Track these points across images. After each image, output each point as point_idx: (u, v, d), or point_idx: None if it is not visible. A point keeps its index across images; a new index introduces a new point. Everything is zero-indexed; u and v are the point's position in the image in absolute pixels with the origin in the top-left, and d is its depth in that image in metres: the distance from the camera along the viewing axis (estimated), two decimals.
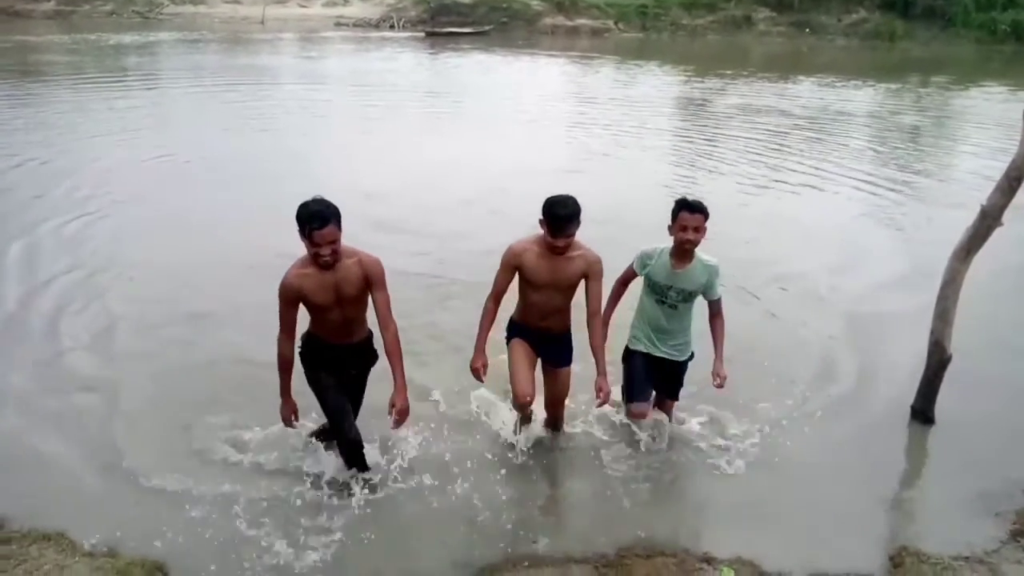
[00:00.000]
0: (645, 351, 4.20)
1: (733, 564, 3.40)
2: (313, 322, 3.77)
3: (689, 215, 3.86)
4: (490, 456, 4.30)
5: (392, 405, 3.65)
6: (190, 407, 4.57)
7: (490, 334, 3.98)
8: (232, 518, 3.68)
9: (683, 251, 3.95)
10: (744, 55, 31.41)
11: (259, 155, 10.63)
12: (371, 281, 3.63)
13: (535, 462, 4.25)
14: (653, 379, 4.26)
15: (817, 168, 11.17)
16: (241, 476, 4.01)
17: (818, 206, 9.36)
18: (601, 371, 3.91)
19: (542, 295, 3.92)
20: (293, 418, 3.84)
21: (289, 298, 3.57)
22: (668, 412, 4.46)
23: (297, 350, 3.80)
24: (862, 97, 19.22)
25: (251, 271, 6.23)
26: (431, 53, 28.61)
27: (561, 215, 3.68)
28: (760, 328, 5.80)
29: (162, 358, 5.19)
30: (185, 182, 9.51)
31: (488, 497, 3.92)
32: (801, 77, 22.54)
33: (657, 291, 4.08)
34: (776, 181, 10.46)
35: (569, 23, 39.48)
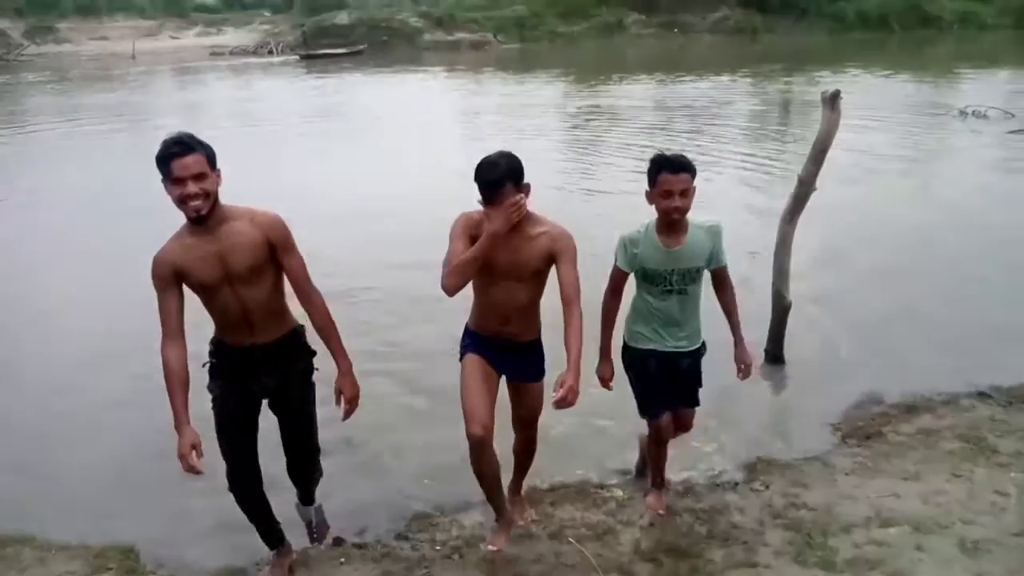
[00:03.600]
0: (654, 348, 3.31)
1: (622, 486, 3.77)
2: (216, 322, 2.93)
3: (672, 176, 3.01)
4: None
5: (338, 392, 2.95)
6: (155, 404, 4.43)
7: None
8: (198, 499, 3.66)
9: (672, 222, 3.11)
10: (621, 58, 32.71)
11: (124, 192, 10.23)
12: (274, 244, 2.80)
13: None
14: (665, 379, 3.36)
15: (700, 153, 11.89)
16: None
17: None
18: (572, 366, 2.82)
19: (501, 289, 3.00)
20: (195, 455, 2.68)
21: (164, 277, 2.73)
22: (686, 426, 3.52)
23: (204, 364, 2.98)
24: (733, 88, 20.44)
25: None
26: (316, 76, 28.49)
27: (491, 179, 2.82)
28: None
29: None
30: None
31: None
32: (675, 75, 23.68)
33: (656, 280, 3.20)
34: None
35: (449, 37, 40.06)
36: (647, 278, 3.23)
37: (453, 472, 3.74)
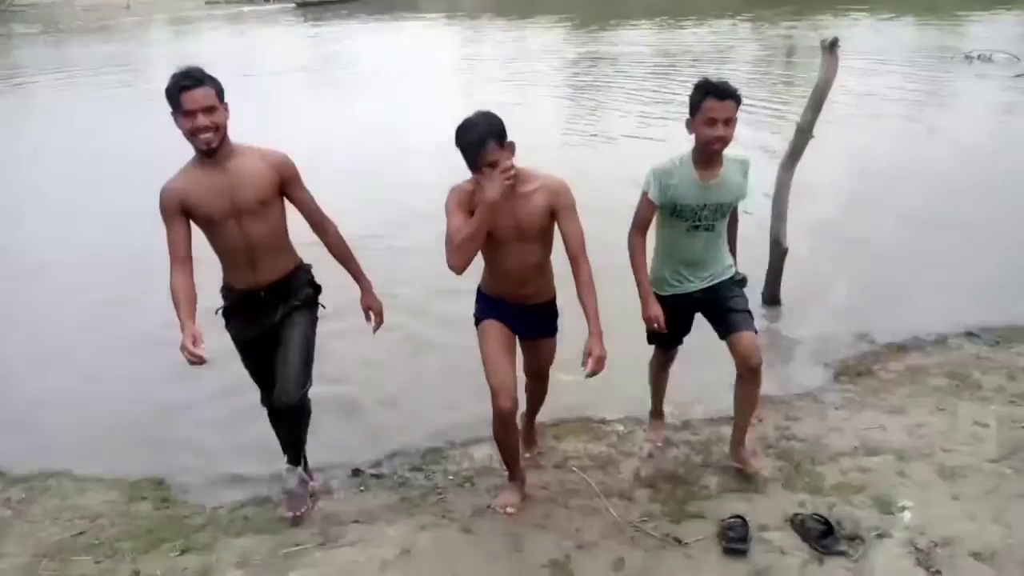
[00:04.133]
0: (670, 293, 3.21)
1: (622, 421, 3.95)
2: (220, 260, 2.99)
3: (718, 102, 2.85)
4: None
5: (367, 309, 3.15)
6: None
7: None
8: (216, 435, 3.91)
9: (712, 153, 2.96)
10: (625, 3, 32.14)
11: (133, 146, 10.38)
12: (284, 178, 2.89)
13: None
14: (683, 322, 3.32)
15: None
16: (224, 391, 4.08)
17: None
18: (594, 331, 2.86)
19: (511, 253, 2.93)
20: (192, 342, 2.65)
21: (171, 207, 2.79)
22: (753, 358, 3.06)
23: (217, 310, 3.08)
24: (737, 33, 20.18)
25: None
26: (311, 25, 28.13)
27: (472, 139, 2.70)
28: None
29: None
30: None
31: None
32: (679, 19, 23.35)
33: (686, 215, 3.05)
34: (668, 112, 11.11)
35: None
36: (676, 213, 3.07)
37: (464, 410, 3.99)
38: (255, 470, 3.59)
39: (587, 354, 2.86)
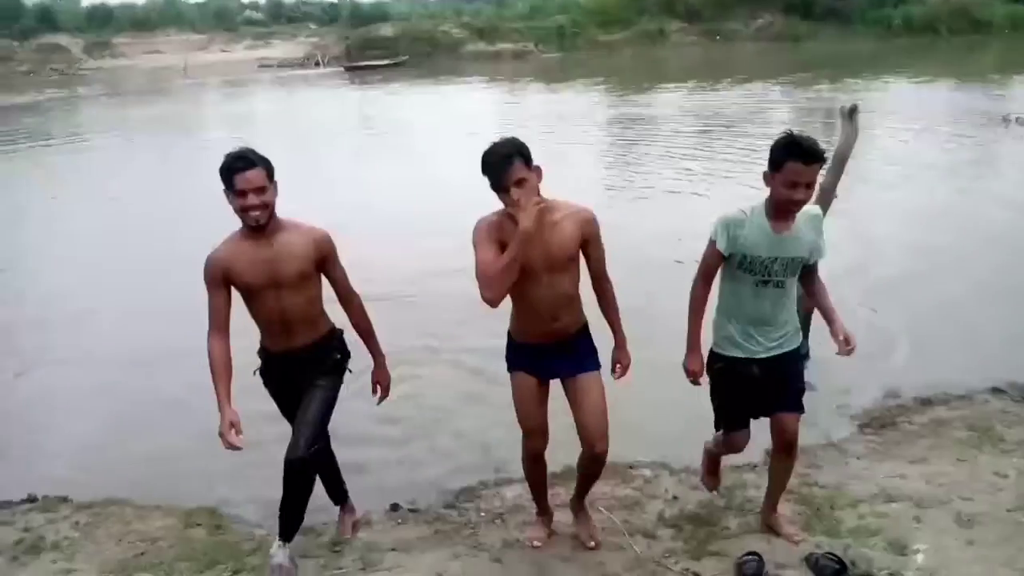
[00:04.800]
0: (743, 356, 3.06)
1: (649, 466, 4.09)
2: (257, 324, 3.16)
3: (803, 167, 2.74)
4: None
5: (375, 383, 3.34)
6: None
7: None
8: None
9: (787, 212, 2.89)
10: (661, 66, 32.91)
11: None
12: (323, 256, 3.09)
13: None
14: (752, 394, 3.12)
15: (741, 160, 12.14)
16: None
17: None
18: (618, 342, 3.11)
19: (542, 286, 2.91)
20: (234, 433, 2.91)
21: (215, 277, 2.98)
22: (789, 437, 3.11)
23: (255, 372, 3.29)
24: (785, 97, 20.55)
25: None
26: (356, 88, 29.27)
27: (498, 158, 2.75)
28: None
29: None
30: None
31: None
32: (715, 83, 23.85)
33: (756, 269, 2.94)
34: (707, 174, 11.40)
35: (491, 48, 40.68)
36: (743, 266, 2.96)
37: (496, 452, 4.21)
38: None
39: (616, 361, 3.14)
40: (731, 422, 3.21)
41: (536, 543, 3.33)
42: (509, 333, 3.16)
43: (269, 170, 2.97)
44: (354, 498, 3.77)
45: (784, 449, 3.15)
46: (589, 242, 2.97)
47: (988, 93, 19.08)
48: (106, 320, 6.80)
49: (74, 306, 7.15)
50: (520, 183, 2.74)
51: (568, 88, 25.29)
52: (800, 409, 3.13)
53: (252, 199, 2.90)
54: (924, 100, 18.65)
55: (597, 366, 3.10)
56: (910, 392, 4.96)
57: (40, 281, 8.06)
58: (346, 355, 3.34)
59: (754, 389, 3.09)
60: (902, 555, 3.11)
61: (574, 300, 3.05)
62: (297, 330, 3.12)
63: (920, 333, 5.79)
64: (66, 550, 3.46)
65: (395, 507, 3.83)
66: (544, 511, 3.43)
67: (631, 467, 4.16)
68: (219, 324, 3.03)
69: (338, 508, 3.65)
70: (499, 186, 2.78)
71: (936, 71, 24.29)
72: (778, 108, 18.80)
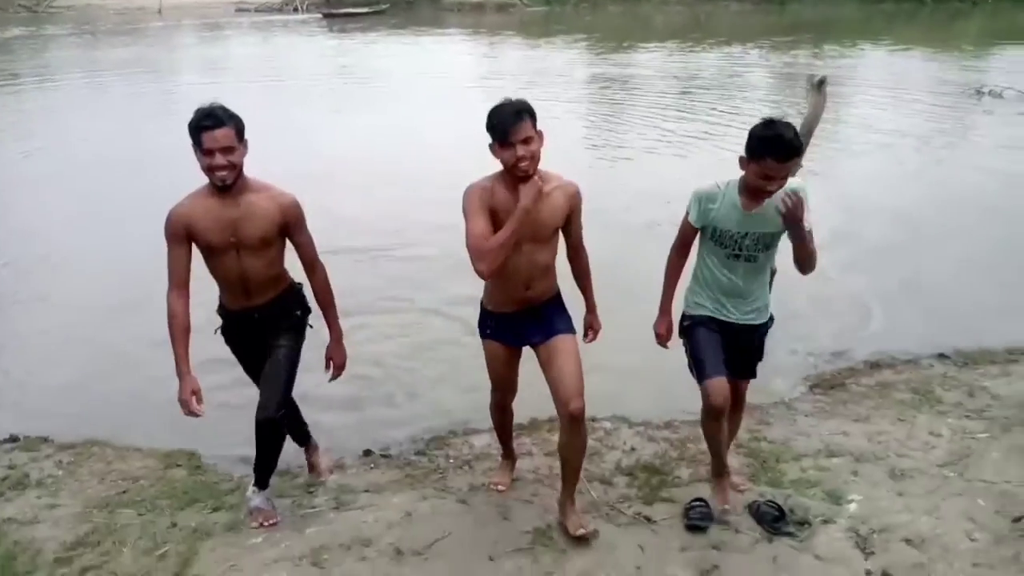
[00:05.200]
0: (713, 315, 3.14)
1: (610, 419, 4.30)
2: (217, 282, 3.15)
3: (777, 164, 2.77)
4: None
5: (328, 358, 3.27)
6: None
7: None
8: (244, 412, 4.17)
9: (759, 197, 2.92)
10: (645, 24, 32.68)
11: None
12: (289, 223, 3.04)
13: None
14: (723, 345, 3.15)
15: (721, 123, 12.27)
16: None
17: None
18: (590, 307, 3.25)
19: (522, 255, 2.91)
20: (195, 400, 2.98)
21: (175, 232, 2.93)
22: (739, 399, 3.34)
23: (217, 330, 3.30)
24: (762, 61, 20.58)
25: None
26: (334, 36, 28.75)
27: (509, 113, 2.75)
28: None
29: None
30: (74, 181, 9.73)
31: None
32: (698, 44, 23.80)
33: (726, 243, 3.01)
34: (686, 136, 11.51)
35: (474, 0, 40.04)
36: (715, 238, 3.03)
37: (466, 403, 4.40)
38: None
39: (588, 326, 3.31)
40: (706, 364, 3.09)
41: (500, 487, 3.53)
42: (482, 303, 3.18)
43: (239, 129, 2.90)
44: (327, 444, 3.97)
45: (734, 406, 3.29)
46: (572, 214, 3.03)
47: (965, 64, 19.26)
48: (73, 265, 6.85)
49: (42, 249, 7.17)
50: (527, 141, 2.76)
51: (549, 44, 25.07)
52: (753, 375, 3.38)
53: (219, 159, 2.84)
54: (902, 69, 18.80)
55: (571, 329, 3.11)
56: (859, 356, 5.22)
57: (6, 223, 8.04)
58: (306, 311, 3.31)
59: (722, 341, 3.15)
60: (837, 504, 3.36)
61: (549, 270, 3.07)
62: (257, 290, 3.11)
63: (867, 301, 6.04)
64: (50, 487, 3.61)
65: (367, 452, 4.02)
66: (508, 455, 3.64)
67: (592, 420, 4.34)
68: (178, 280, 2.98)
69: (303, 450, 3.81)
70: (505, 139, 2.76)
71: (916, 39, 24.44)
72: (755, 72, 18.85)
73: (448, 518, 3.25)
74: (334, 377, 3.32)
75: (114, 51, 24.31)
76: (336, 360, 3.30)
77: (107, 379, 4.91)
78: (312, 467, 3.79)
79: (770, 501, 3.28)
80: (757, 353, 3.30)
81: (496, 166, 2.89)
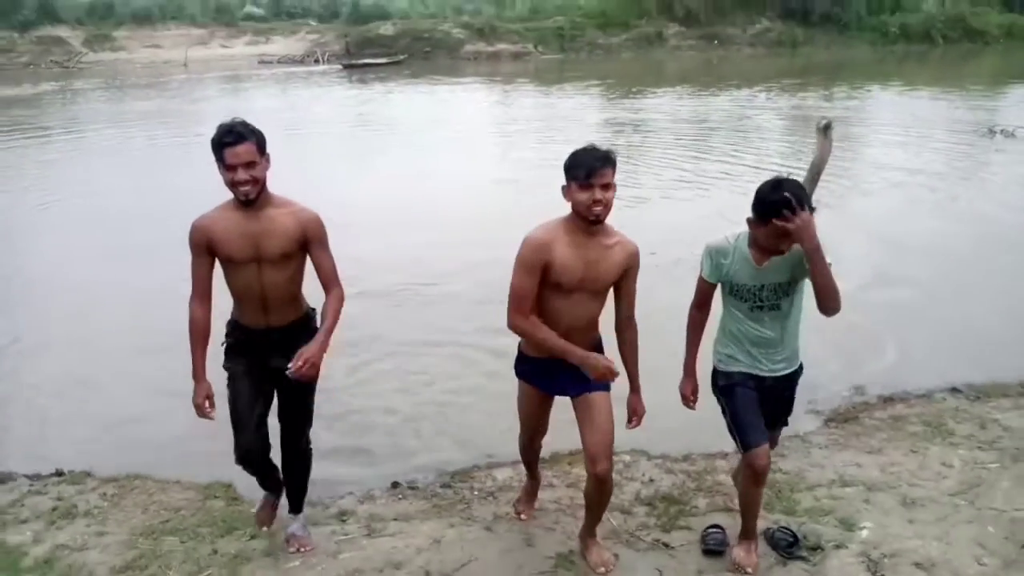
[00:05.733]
0: (748, 371, 3.08)
1: (629, 453, 4.38)
2: (233, 297, 3.14)
3: (781, 223, 2.76)
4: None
5: (300, 353, 2.97)
6: None
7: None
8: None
9: (774, 252, 2.91)
10: (658, 70, 33.29)
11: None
12: (310, 239, 3.03)
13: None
14: (760, 405, 3.10)
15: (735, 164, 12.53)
16: None
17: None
18: (635, 388, 3.11)
19: (570, 302, 2.91)
20: (207, 405, 3.10)
21: (198, 243, 3.00)
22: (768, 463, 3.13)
23: (223, 343, 3.24)
24: (771, 103, 20.94)
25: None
26: (353, 87, 29.53)
27: (598, 156, 2.79)
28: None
29: None
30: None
31: None
32: (711, 88, 24.24)
33: (745, 296, 2.98)
34: (699, 177, 11.80)
35: (490, 48, 40.92)
36: (734, 293, 3.01)
37: (490, 439, 4.58)
38: (318, 467, 4.08)
39: (631, 410, 3.14)
40: (750, 430, 3.05)
41: (523, 516, 3.65)
42: (519, 344, 3.17)
43: (260, 144, 2.94)
44: (357, 478, 4.21)
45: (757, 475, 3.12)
46: (627, 275, 2.99)
47: (977, 104, 19.50)
48: (98, 311, 7.01)
49: (66, 295, 7.38)
50: (606, 188, 2.80)
51: (562, 91, 25.62)
52: (786, 424, 3.40)
53: (242, 174, 2.88)
54: (913, 110, 19.04)
55: (607, 385, 3.04)
56: (874, 390, 5.35)
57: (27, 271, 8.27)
58: None
59: (759, 401, 3.10)
60: (849, 531, 3.49)
61: (593, 324, 3.06)
62: (274, 308, 3.10)
63: (882, 336, 6.17)
64: (97, 516, 3.80)
65: (395, 485, 4.19)
66: (533, 476, 3.69)
67: (613, 453, 4.52)
68: (201, 291, 3.06)
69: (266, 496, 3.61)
70: (587, 179, 2.77)
71: (927, 80, 24.76)
72: (765, 115, 19.15)
73: (474, 544, 3.41)
74: (298, 370, 2.94)
75: (143, 103, 25.09)
76: (307, 354, 2.96)
77: (142, 418, 5.11)
78: (261, 520, 3.58)
79: (784, 527, 3.41)
80: (790, 404, 3.25)
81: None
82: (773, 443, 3.28)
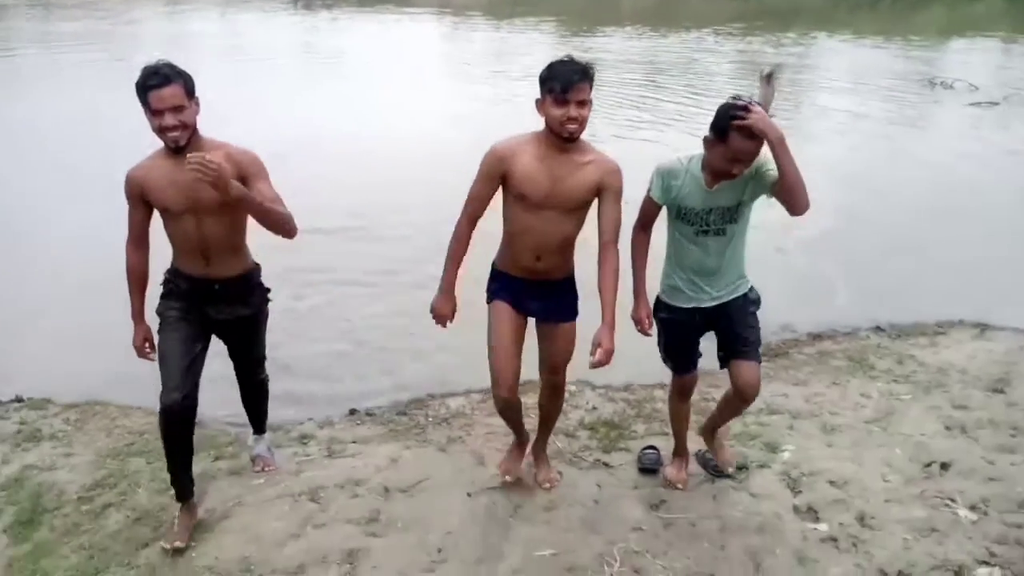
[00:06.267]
0: (687, 305, 3.07)
1: (575, 383, 4.52)
2: (172, 246, 3.02)
3: (747, 143, 2.71)
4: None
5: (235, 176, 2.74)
6: None
7: (462, 269, 3.09)
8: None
9: (723, 178, 2.86)
10: (613, 7, 32.92)
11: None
12: (247, 177, 2.81)
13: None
14: (699, 339, 3.21)
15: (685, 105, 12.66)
16: None
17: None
18: (607, 321, 2.87)
19: (540, 219, 2.85)
20: (147, 347, 3.10)
21: (132, 193, 2.89)
22: (747, 388, 3.09)
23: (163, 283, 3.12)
24: (719, 47, 21.06)
25: None
26: (296, 14, 28.60)
27: (572, 68, 2.71)
28: None
29: None
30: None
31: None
32: (663, 29, 24.21)
33: (692, 219, 2.93)
34: (646, 122, 11.83)
35: None
36: (681, 216, 2.95)
37: (443, 369, 4.79)
38: (280, 394, 4.18)
39: (596, 344, 2.86)
40: (678, 366, 3.28)
41: (508, 477, 3.44)
42: (494, 262, 3.13)
43: (188, 86, 2.76)
44: (316, 406, 4.39)
45: (740, 396, 3.17)
46: (605, 193, 2.86)
47: (920, 55, 19.94)
48: (43, 239, 6.92)
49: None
50: (582, 104, 2.72)
51: (513, 25, 25.28)
52: (756, 358, 3.09)
53: (169, 119, 2.71)
54: (859, 59, 19.41)
55: (574, 316, 3.08)
56: (803, 328, 5.68)
57: None
58: (266, 294, 3.27)
59: (698, 336, 3.19)
60: (773, 453, 3.82)
61: (565, 246, 2.98)
62: (217, 259, 2.97)
63: (820, 277, 6.52)
64: (62, 439, 3.93)
65: (353, 412, 4.39)
66: (520, 436, 3.49)
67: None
68: (136, 236, 3.00)
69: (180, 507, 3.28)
70: (563, 94, 2.69)
71: (875, 30, 25.11)
72: (712, 56, 19.28)
73: (429, 463, 3.65)
74: (215, 184, 2.59)
75: (72, 24, 23.85)
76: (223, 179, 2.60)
77: (95, 347, 5.09)
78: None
79: (708, 453, 3.72)
80: (746, 327, 3.08)
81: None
82: (747, 380, 3.09)
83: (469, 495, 3.38)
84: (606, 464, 3.70)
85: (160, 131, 2.76)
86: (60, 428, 4.06)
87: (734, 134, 2.69)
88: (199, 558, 3.00)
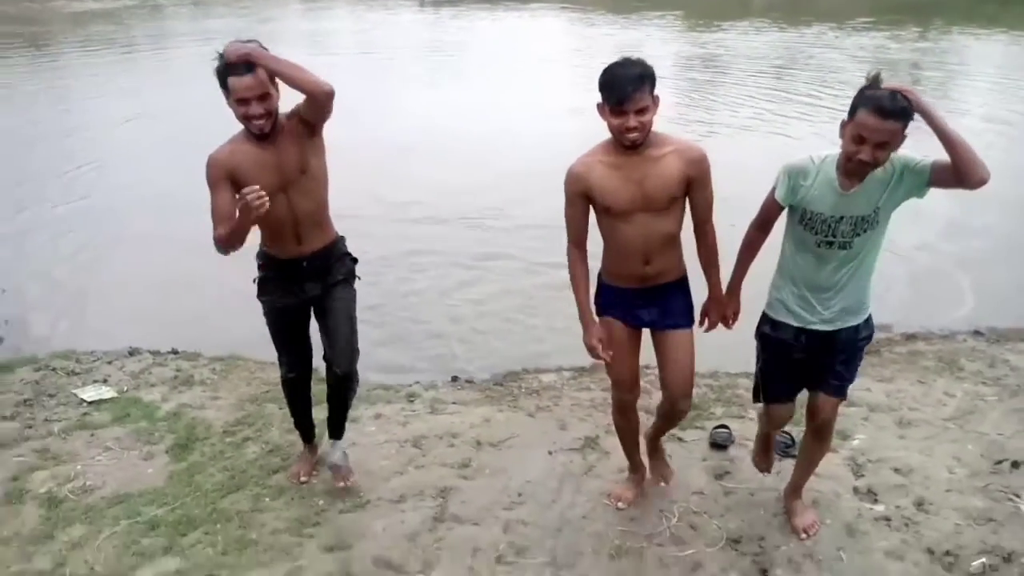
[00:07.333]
0: (796, 324, 2.78)
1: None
2: (261, 230, 2.99)
3: (877, 120, 2.37)
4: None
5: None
6: None
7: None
8: (371, 328, 4.85)
9: (854, 170, 2.53)
10: (745, 2, 32.20)
11: None
12: (313, 134, 2.89)
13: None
14: (800, 367, 2.88)
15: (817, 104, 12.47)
16: None
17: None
18: (714, 295, 2.92)
19: (634, 225, 2.74)
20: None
21: (217, 177, 2.79)
22: (825, 422, 2.97)
23: (254, 280, 3.21)
24: (864, 41, 20.34)
25: None
26: (428, 12, 29.59)
27: (621, 75, 2.55)
28: None
29: None
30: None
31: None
32: (799, 21, 23.58)
33: (818, 228, 2.62)
34: (776, 116, 11.65)
35: None
36: (805, 222, 2.64)
37: (540, 348, 5.25)
38: (391, 361, 4.89)
39: (704, 313, 2.99)
40: (771, 386, 3.01)
41: (620, 505, 3.34)
42: (599, 274, 3.01)
43: (271, 75, 2.73)
44: (423, 373, 4.92)
45: (813, 432, 3.03)
46: (695, 183, 2.73)
47: None
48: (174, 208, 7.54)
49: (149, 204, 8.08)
50: (642, 112, 2.59)
51: (636, 20, 25.25)
52: (840, 395, 2.90)
53: (255, 108, 2.71)
54: (1009, 55, 18.30)
55: (690, 323, 2.97)
56: (900, 328, 5.73)
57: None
58: (355, 261, 3.28)
59: (800, 364, 2.89)
60: (843, 440, 4.00)
61: (671, 246, 2.85)
62: (308, 236, 3.01)
63: (926, 280, 6.48)
64: (210, 385, 4.64)
65: (455, 378, 4.91)
66: (635, 468, 3.42)
67: (646, 367, 5.09)
68: (221, 220, 2.80)
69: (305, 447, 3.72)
70: (619, 106, 2.58)
71: None
72: (846, 53, 18.66)
73: (518, 425, 4.11)
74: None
75: (220, 21, 25.75)
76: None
77: (239, 311, 5.77)
78: (294, 474, 3.60)
79: (784, 431, 3.95)
80: (845, 363, 2.84)
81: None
82: (822, 415, 2.95)
83: (550, 453, 3.80)
84: (680, 439, 4.01)
85: (245, 119, 2.77)
86: (208, 376, 4.77)
87: (861, 110, 2.41)
88: (318, 485, 3.61)
